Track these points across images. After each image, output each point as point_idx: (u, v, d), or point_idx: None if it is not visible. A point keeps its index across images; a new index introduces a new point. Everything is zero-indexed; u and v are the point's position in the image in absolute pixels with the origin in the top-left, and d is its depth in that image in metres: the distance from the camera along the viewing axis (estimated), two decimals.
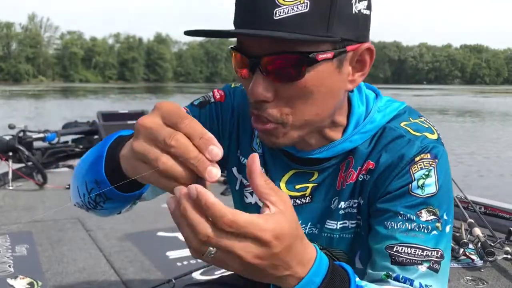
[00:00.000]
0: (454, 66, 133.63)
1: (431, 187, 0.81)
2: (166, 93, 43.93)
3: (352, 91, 0.87)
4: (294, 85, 0.74)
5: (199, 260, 2.29)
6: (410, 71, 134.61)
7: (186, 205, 0.53)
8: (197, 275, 2.16)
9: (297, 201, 0.92)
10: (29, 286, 2.04)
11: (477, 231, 2.37)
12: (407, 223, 0.80)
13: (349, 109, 0.88)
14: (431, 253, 0.79)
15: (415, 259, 0.79)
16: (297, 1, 0.69)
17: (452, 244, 2.35)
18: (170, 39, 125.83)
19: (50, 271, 2.20)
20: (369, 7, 0.77)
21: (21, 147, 3.69)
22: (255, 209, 0.96)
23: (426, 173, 0.81)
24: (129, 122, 4.71)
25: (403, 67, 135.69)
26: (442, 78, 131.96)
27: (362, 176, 0.86)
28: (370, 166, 0.85)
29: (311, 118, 0.79)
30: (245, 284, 1.19)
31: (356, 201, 0.88)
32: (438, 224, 0.81)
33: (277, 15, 0.70)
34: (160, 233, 2.78)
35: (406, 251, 0.79)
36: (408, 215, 0.80)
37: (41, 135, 4.14)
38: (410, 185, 0.81)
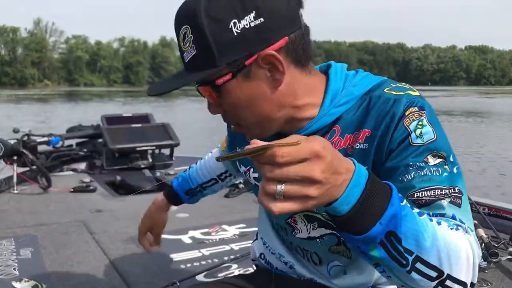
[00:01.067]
0: (459, 67, 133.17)
1: (429, 134, 0.88)
2: (171, 96, 44.00)
3: (329, 68, 0.99)
4: (223, 103, 0.91)
5: (203, 262, 2.28)
6: (415, 72, 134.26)
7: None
8: (201, 278, 2.16)
9: None
10: None
11: (481, 232, 2.36)
12: (419, 171, 0.86)
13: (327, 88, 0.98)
14: (449, 191, 0.84)
15: (437, 198, 0.84)
16: (188, 47, 0.87)
17: None
18: (175, 43, 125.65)
19: (55, 274, 2.21)
20: (258, 15, 0.83)
21: (25, 151, 3.70)
22: None
23: (420, 123, 0.88)
24: (133, 125, 4.71)
25: (408, 68, 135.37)
26: (447, 79, 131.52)
27: (360, 145, 0.93)
28: (367, 134, 0.92)
29: (255, 120, 0.93)
30: (249, 285, 1.21)
31: None
32: (446, 166, 0.87)
33: (185, 59, 0.89)
34: (164, 236, 2.77)
35: (426, 194, 0.84)
36: (418, 164, 0.86)
37: (45, 139, 4.15)
38: (409, 137, 0.88)
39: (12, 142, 3.70)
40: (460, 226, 0.80)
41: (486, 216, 2.74)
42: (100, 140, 4.71)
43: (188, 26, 0.85)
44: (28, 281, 2.11)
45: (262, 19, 0.83)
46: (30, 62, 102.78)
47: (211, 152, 1.56)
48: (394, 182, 0.84)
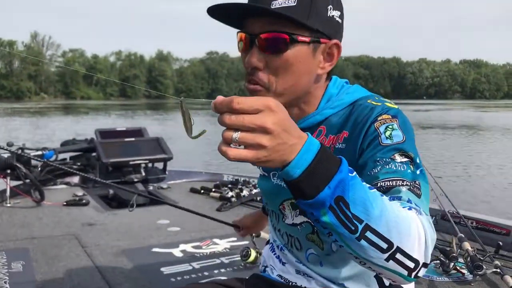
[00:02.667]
0: (454, 81, 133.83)
1: (398, 136, 0.97)
2: (167, 109, 44.08)
3: (330, 80, 1.13)
4: (279, 58, 1.00)
5: (193, 275, 2.31)
6: (410, 86, 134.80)
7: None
8: None
9: None
10: None
11: (467, 245, 2.40)
12: (385, 165, 0.93)
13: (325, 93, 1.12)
14: (410, 183, 0.90)
15: (397, 185, 0.90)
16: None
17: (442, 258, 2.38)
18: (171, 56, 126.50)
19: (45, 287, 2.22)
20: (341, 17, 1.06)
21: (19, 165, 3.72)
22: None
23: (390, 126, 0.98)
24: (126, 139, 4.74)
25: (403, 82, 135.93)
26: (442, 93, 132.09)
27: (339, 145, 1.05)
28: (345, 135, 1.05)
29: (289, 87, 1.03)
30: (241, 286, 1.27)
31: None
32: (411, 166, 0.94)
33: (273, 5, 0.97)
34: (155, 249, 2.80)
35: (388, 183, 0.90)
36: (384, 159, 0.94)
37: (39, 152, 4.17)
38: (379, 138, 0.97)
39: (5, 155, 3.71)
40: (414, 208, 0.84)
41: (474, 230, 2.78)
42: (94, 154, 4.72)
43: None
44: None
45: (340, 21, 1.06)
46: (27, 75, 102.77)
47: None
48: (363, 177, 0.90)
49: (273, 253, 1.28)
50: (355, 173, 0.76)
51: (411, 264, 0.78)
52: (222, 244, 2.90)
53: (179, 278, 2.37)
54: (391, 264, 0.78)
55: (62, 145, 4.94)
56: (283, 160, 0.71)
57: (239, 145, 0.69)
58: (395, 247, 0.76)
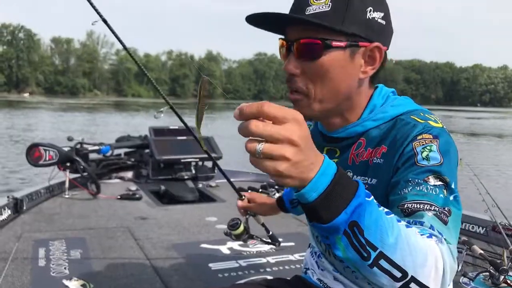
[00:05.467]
0: (511, 89, 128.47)
1: (435, 158, 0.93)
2: (214, 109, 44.60)
3: (375, 89, 1.11)
4: (314, 64, 0.99)
5: (240, 272, 2.37)
6: (463, 92, 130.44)
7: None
8: None
9: None
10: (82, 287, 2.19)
11: None
12: (416, 186, 0.90)
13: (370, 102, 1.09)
14: (439, 209, 0.86)
15: (423, 209, 0.86)
16: (322, 3, 0.97)
17: (492, 270, 2.34)
18: (221, 57, 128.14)
19: (101, 275, 2.34)
20: (385, 18, 1.02)
21: (78, 158, 3.91)
22: None
23: (429, 147, 0.94)
24: (178, 137, 4.88)
25: (456, 88, 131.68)
26: (498, 101, 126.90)
27: (376, 159, 1.03)
28: (383, 150, 1.02)
29: (328, 93, 1.01)
30: (283, 286, 1.30)
31: (367, 179, 1.02)
32: (445, 191, 0.90)
33: (307, 12, 0.97)
34: (203, 245, 2.89)
35: (414, 206, 0.87)
36: (417, 180, 0.91)
37: (97, 147, 4.35)
38: (415, 157, 0.94)
39: (66, 149, 3.91)
40: (435, 235, 0.80)
41: None
42: (147, 150, 4.89)
43: None
44: (77, 280, 2.25)
45: (384, 22, 1.02)
46: (82, 72, 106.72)
47: None
48: (393, 195, 0.91)
49: (313, 258, 1.29)
50: (372, 197, 0.73)
51: None
52: (268, 244, 2.95)
53: (226, 275, 2.43)
54: None
55: (117, 141, 5.14)
56: (301, 178, 0.69)
57: (262, 157, 0.67)
58: (409, 276, 0.73)
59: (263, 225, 1.56)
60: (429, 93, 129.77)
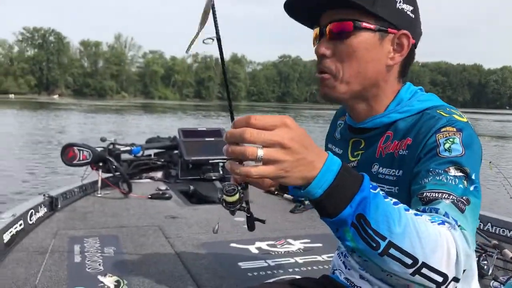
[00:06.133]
0: None
1: (457, 150, 0.95)
2: (238, 111, 44.81)
3: (404, 84, 1.14)
4: (344, 44, 1.03)
5: (269, 272, 2.39)
6: (491, 95, 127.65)
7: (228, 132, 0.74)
8: None
9: (350, 164, 1.15)
10: (116, 284, 2.23)
11: None
12: (436, 176, 0.92)
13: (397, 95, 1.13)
14: (457, 198, 0.88)
15: (441, 197, 0.88)
16: None
17: None
18: (245, 59, 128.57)
19: (134, 272, 2.40)
20: (414, 12, 1.07)
21: (111, 159, 4.00)
22: None
23: (452, 139, 0.96)
24: (207, 139, 4.96)
25: (484, 91, 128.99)
26: None
27: (402, 151, 1.05)
28: (408, 142, 1.04)
29: (355, 74, 1.04)
30: (311, 285, 1.33)
31: (394, 171, 1.05)
32: (465, 181, 0.91)
33: None
34: (232, 244, 2.94)
35: (433, 195, 0.89)
36: (437, 170, 0.93)
37: (128, 148, 4.44)
38: (437, 149, 0.96)
39: (99, 149, 4.01)
40: (448, 222, 0.82)
41: None
42: (176, 151, 4.98)
43: None
44: (111, 276, 2.32)
45: (413, 16, 1.07)
46: (110, 75, 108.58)
47: None
48: (414, 185, 0.93)
49: (340, 259, 1.32)
50: (378, 189, 0.77)
51: (439, 278, 0.77)
52: (296, 245, 2.98)
53: (255, 274, 2.47)
54: (418, 278, 0.78)
55: (147, 142, 5.25)
56: (303, 177, 0.73)
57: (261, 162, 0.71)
58: (420, 262, 0.76)
59: (247, 202, 1.52)
60: (456, 95, 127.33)
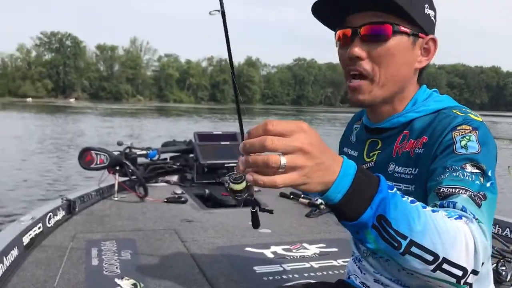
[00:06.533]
0: None
1: (474, 147, 0.96)
2: (253, 114, 44.88)
3: (421, 85, 1.16)
4: (381, 47, 1.04)
5: (284, 276, 2.39)
6: (510, 97, 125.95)
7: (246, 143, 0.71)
8: None
9: (365, 165, 1.16)
10: (133, 286, 2.25)
11: None
12: (453, 172, 0.93)
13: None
14: (473, 193, 0.89)
15: (458, 192, 0.89)
16: None
17: None
18: (260, 63, 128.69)
19: (150, 275, 2.42)
20: (435, 17, 1.12)
21: (127, 162, 4.03)
22: None
23: (468, 137, 0.98)
24: (222, 143, 4.97)
25: (502, 93, 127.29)
26: None
27: (418, 150, 1.06)
28: (424, 140, 1.05)
29: (391, 77, 1.06)
30: None
31: (411, 169, 1.06)
32: (481, 178, 0.92)
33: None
34: (247, 248, 2.95)
35: (450, 190, 0.90)
36: (454, 167, 0.94)
37: (144, 152, 4.47)
38: (453, 146, 0.97)
39: (116, 153, 4.04)
40: (465, 216, 0.82)
41: None
42: (192, 155, 5.00)
43: None
44: (128, 279, 2.34)
45: (434, 21, 1.12)
46: (125, 78, 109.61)
47: None
48: (431, 181, 0.94)
49: (355, 264, 1.32)
50: (395, 189, 0.77)
51: (459, 272, 0.78)
52: (312, 249, 2.98)
53: (270, 278, 2.47)
54: (439, 274, 0.78)
55: (163, 146, 5.28)
56: (323, 182, 0.73)
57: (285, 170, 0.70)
58: (441, 258, 0.77)
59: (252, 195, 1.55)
60: (474, 98, 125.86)
